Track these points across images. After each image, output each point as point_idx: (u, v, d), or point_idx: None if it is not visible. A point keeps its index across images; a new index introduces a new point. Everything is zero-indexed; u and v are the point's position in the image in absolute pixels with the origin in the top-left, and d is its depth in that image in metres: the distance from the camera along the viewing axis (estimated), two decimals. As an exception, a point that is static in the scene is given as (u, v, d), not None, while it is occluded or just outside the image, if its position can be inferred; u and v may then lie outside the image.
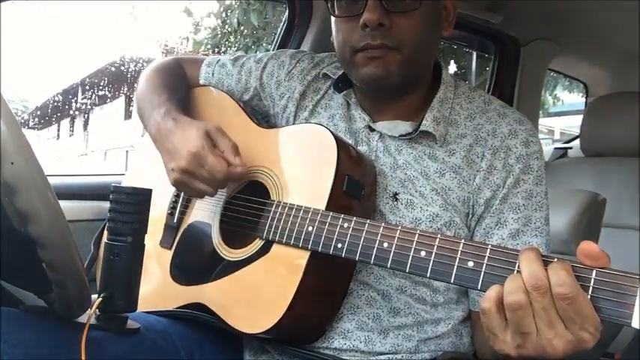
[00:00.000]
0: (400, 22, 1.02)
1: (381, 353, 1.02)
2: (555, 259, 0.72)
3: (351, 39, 1.05)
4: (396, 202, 1.05)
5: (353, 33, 1.04)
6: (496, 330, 0.73)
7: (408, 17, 1.02)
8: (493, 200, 1.04)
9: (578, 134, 2.67)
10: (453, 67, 5.42)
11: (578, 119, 2.63)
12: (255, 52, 4.84)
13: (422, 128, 1.06)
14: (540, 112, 3.29)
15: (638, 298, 0.66)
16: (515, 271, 0.74)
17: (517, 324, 0.71)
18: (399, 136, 1.09)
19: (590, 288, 0.69)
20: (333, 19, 1.10)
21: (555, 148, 3.10)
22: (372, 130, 1.12)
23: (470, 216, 1.06)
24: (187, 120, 1.10)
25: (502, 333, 0.73)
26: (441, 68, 1.15)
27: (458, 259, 0.79)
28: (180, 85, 1.30)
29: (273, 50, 1.58)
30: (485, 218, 1.05)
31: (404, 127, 1.10)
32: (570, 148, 2.97)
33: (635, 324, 0.66)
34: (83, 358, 0.80)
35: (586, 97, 3.35)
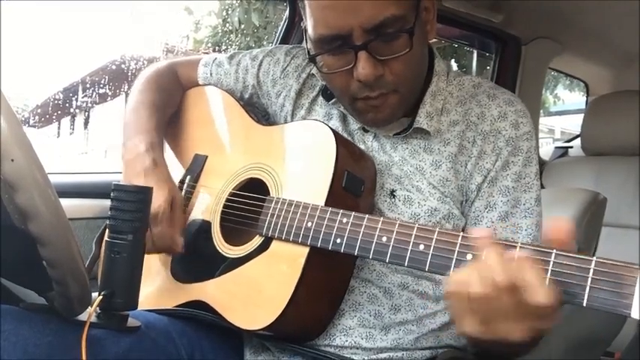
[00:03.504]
0: (394, 65, 0.97)
1: (383, 349, 1.02)
2: (553, 256, 0.72)
3: (348, 90, 1.01)
4: (393, 199, 1.05)
5: (349, 84, 1.00)
6: (460, 314, 0.75)
7: (400, 59, 0.97)
8: (483, 184, 1.04)
9: (578, 133, 2.67)
10: (453, 66, 5.42)
11: (579, 118, 2.63)
12: (256, 50, 4.83)
13: (415, 125, 1.06)
14: (541, 111, 3.29)
15: (637, 287, 0.66)
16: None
17: (479, 314, 0.73)
18: (394, 134, 1.09)
19: (589, 279, 0.69)
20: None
21: (556, 147, 3.10)
22: (366, 130, 1.12)
23: (464, 203, 1.06)
24: (164, 174, 1.13)
25: (464, 319, 0.75)
26: (434, 56, 1.12)
27: (456, 252, 0.80)
28: (171, 98, 1.32)
29: (273, 49, 1.57)
30: (475, 202, 1.05)
31: (398, 124, 1.10)
32: (571, 147, 2.97)
33: (634, 314, 0.66)
34: (84, 356, 0.80)
35: (587, 96, 3.34)
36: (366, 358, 1.02)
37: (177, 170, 1.28)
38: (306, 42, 1.03)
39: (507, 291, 0.70)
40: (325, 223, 0.94)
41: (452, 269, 0.80)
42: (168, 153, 1.33)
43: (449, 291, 0.75)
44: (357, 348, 1.02)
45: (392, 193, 1.06)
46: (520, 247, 0.75)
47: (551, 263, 0.72)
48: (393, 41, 0.96)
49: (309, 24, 0.99)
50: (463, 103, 1.09)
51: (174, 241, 1.11)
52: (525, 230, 1.02)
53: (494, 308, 0.71)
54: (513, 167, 1.04)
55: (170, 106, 1.31)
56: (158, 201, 1.07)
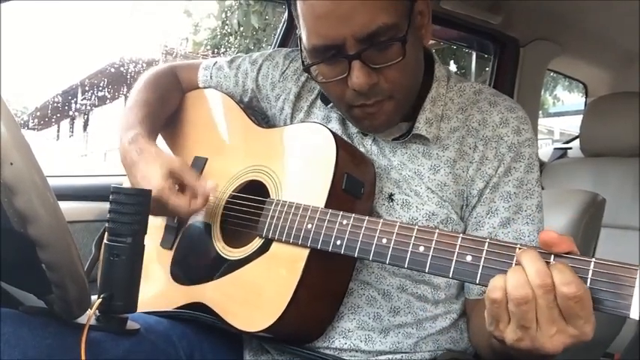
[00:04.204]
0: (388, 73, 0.97)
1: (382, 352, 1.02)
2: (552, 258, 0.72)
3: (343, 98, 1.01)
4: (391, 203, 1.05)
5: (344, 92, 1.00)
6: (501, 320, 0.73)
7: (395, 66, 0.97)
8: (485, 189, 1.04)
9: (577, 134, 2.67)
10: (452, 68, 5.42)
11: (578, 119, 2.63)
12: (255, 52, 4.83)
13: (414, 132, 1.06)
14: (540, 112, 3.29)
15: (636, 288, 0.66)
16: (514, 264, 0.74)
17: (520, 318, 0.71)
18: (393, 139, 1.09)
19: (589, 280, 0.69)
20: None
21: (555, 149, 3.10)
22: (365, 134, 1.12)
23: (464, 207, 1.06)
24: (152, 153, 1.10)
25: (504, 324, 0.73)
26: (434, 61, 1.12)
27: (456, 253, 0.80)
28: (168, 96, 1.31)
29: (272, 51, 1.57)
30: (477, 207, 1.05)
31: (397, 129, 1.10)
32: (570, 148, 2.97)
33: (633, 315, 0.66)
34: (83, 358, 0.80)
35: (586, 98, 3.35)
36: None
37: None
38: (301, 51, 1.04)
39: (545, 290, 0.69)
40: (325, 225, 0.94)
41: (452, 271, 0.79)
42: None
43: (490, 296, 0.73)
44: (356, 351, 1.02)
45: (390, 197, 1.06)
46: (519, 248, 0.75)
47: (551, 265, 0.72)
48: (386, 49, 0.96)
49: (302, 34, 0.99)
50: (464, 109, 1.09)
51: (193, 205, 1.08)
52: (528, 237, 1.02)
53: (533, 311, 0.70)
54: (515, 173, 1.04)
55: (167, 102, 1.31)
56: (155, 181, 1.05)
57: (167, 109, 1.31)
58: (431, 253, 0.82)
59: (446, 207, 1.04)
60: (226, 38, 6.01)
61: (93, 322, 0.86)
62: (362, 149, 1.11)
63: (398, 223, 0.87)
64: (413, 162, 1.07)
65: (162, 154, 1.11)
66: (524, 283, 0.70)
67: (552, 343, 0.70)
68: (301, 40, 1.01)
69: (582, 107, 3.37)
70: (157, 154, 1.10)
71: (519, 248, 0.75)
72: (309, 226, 0.96)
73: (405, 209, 1.04)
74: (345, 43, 0.94)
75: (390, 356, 1.03)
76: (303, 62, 1.03)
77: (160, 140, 1.32)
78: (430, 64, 1.12)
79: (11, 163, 0.67)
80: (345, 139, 1.12)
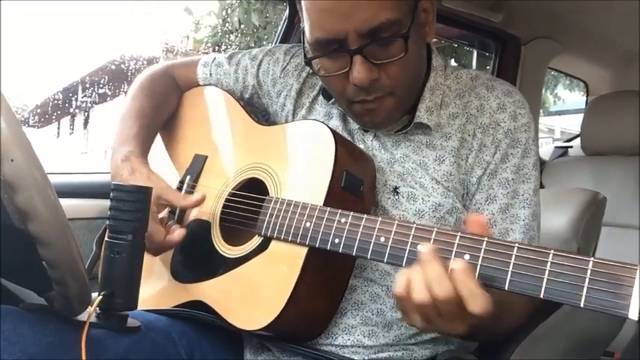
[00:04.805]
0: (390, 69, 0.97)
1: (384, 345, 1.03)
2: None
3: (344, 92, 1.01)
4: (397, 196, 1.05)
5: (345, 87, 1.00)
6: (406, 312, 0.81)
7: (396, 62, 0.97)
8: (483, 177, 1.04)
9: (578, 133, 2.67)
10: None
11: (579, 118, 2.63)
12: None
13: (416, 120, 1.06)
14: (541, 110, 3.29)
15: (635, 288, 0.65)
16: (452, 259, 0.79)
17: (422, 315, 0.79)
18: (395, 132, 1.09)
19: (587, 279, 0.69)
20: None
21: (556, 147, 3.10)
22: (366, 130, 1.12)
23: (465, 196, 1.06)
24: (143, 175, 1.11)
25: (410, 316, 0.81)
26: (431, 52, 1.12)
27: (454, 252, 0.79)
28: (165, 102, 1.31)
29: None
30: (476, 195, 1.05)
31: (398, 121, 1.10)
32: (571, 147, 2.97)
33: (632, 315, 0.65)
34: (83, 356, 0.80)
35: (586, 96, 3.34)
36: (366, 358, 1.02)
37: (177, 170, 1.28)
38: (304, 44, 1.04)
39: (446, 302, 0.75)
40: (324, 223, 0.94)
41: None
42: (165, 154, 1.33)
43: (395, 292, 0.80)
44: (359, 346, 1.02)
45: (395, 190, 1.06)
46: (518, 247, 0.75)
47: (549, 264, 0.72)
48: (388, 45, 0.96)
49: (306, 27, 1.00)
50: (462, 96, 1.09)
51: (168, 238, 1.08)
52: (523, 221, 1.03)
53: (435, 312, 0.77)
54: (512, 159, 1.04)
55: (163, 109, 1.31)
56: None
57: (164, 115, 1.31)
58: None
59: (450, 197, 1.04)
60: (227, 36, 6.00)
61: (93, 319, 0.86)
62: (362, 145, 1.11)
63: (396, 222, 0.87)
64: (417, 154, 1.07)
65: (152, 176, 1.12)
66: (423, 288, 0.77)
67: (455, 329, 0.79)
68: (304, 34, 1.02)
69: (583, 106, 3.36)
70: (147, 176, 1.11)
71: (518, 247, 0.75)
72: (308, 224, 0.96)
73: (410, 202, 1.04)
74: (348, 37, 0.94)
75: (392, 353, 1.03)
76: (305, 55, 1.03)
77: (159, 140, 1.33)
78: (427, 55, 1.12)
79: (12, 160, 0.67)
80: (346, 135, 1.12)
